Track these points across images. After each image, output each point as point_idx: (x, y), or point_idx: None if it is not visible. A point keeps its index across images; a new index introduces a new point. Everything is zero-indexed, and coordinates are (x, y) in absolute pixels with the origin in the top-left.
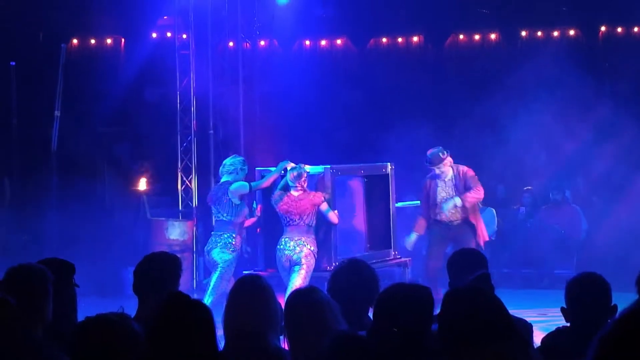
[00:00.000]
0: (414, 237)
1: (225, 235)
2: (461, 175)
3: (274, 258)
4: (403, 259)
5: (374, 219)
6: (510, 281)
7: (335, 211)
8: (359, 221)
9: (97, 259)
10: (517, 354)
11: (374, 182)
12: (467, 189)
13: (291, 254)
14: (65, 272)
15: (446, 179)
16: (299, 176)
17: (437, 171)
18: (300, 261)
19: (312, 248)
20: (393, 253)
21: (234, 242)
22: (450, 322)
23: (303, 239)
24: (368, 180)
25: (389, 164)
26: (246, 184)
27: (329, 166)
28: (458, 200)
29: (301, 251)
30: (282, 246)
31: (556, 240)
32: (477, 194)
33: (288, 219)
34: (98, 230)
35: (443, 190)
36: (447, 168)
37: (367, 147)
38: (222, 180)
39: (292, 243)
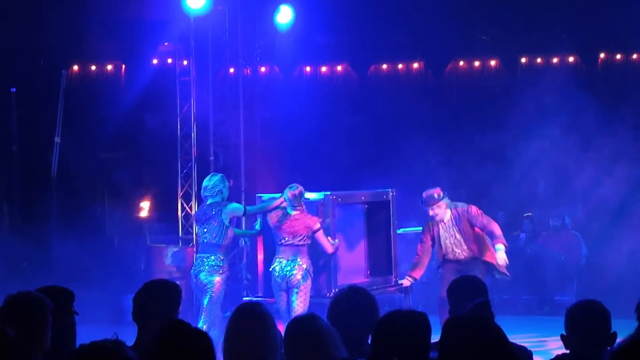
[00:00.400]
0: (406, 282)
1: (212, 258)
2: (461, 215)
3: None
4: (405, 285)
5: (375, 246)
6: (511, 307)
7: (336, 240)
8: (360, 248)
9: (97, 285)
10: None
11: (375, 209)
12: (472, 226)
13: (287, 274)
14: (64, 300)
15: (445, 220)
16: (300, 195)
17: (431, 212)
18: (298, 284)
19: (306, 267)
20: (394, 279)
21: (222, 265)
22: (450, 350)
23: (297, 258)
24: (369, 207)
25: (390, 190)
26: (241, 207)
27: (329, 193)
28: (501, 246)
29: (298, 272)
30: (276, 266)
31: (556, 267)
32: (496, 228)
33: (281, 238)
34: (98, 256)
35: (445, 231)
36: (443, 210)
37: (368, 172)
38: (207, 202)
39: (285, 263)
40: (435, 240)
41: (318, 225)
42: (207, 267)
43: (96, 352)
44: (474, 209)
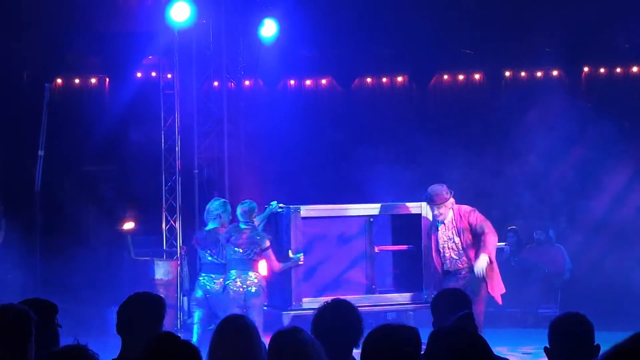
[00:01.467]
0: None
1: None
2: (462, 216)
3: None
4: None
5: (389, 261)
6: (495, 320)
7: (299, 255)
8: (351, 263)
9: (81, 298)
10: None
11: (394, 222)
12: (475, 233)
13: (244, 289)
14: (47, 312)
15: (446, 221)
16: (250, 211)
17: (436, 212)
18: (253, 299)
19: (258, 282)
20: (424, 297)
21: None
22: None
23: (250, 273)
24: (374, 220)
25: (422, 203)
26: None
27: (294, 206)
28: (485, 256)
29: (252, 287)
30: (231, 282)
31: (540, 280)
32: (493, 237)
33: (231, 251)
34: (82, 269)
35: (444, 234)
36: (447, 210)
37: (352, 186)
38: (208, 226)
39: (242, 277)
40: (435, 245)
41: (267, 244)
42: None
43: (56, 358)
44: (477, 213)
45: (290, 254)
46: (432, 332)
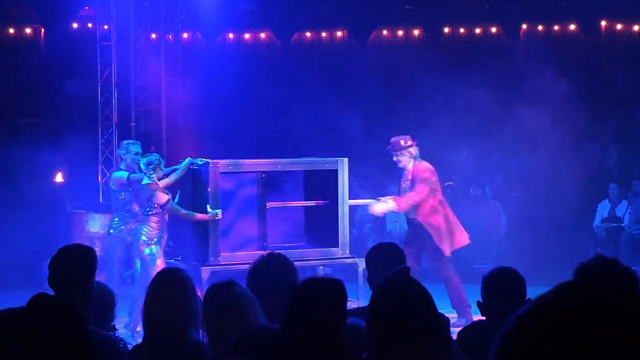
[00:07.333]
0: None
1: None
2: (413, 171)
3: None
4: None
5: (300, 217)
6: (429, 276)
7: (218, 211)
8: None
9: (16, 251)
10: (441, 349)
11: (316, 177)
12: (412, 188)
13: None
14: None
15: (406, 171)
16: (148, 163)
17: (395, 159)
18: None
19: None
20: (340, 252)
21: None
22: (381, 316)
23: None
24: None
25: (342, 159)
26: (125, 175)
27: (209, 160)
28: (392, 204)
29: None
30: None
31: (476, 235)
32: (411, 197)
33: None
34: (17, 223)
35: (403, 182)
36: (407, 160)
37: (291, 141)
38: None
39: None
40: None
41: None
42: None
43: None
44: (422, 168)
45: (209, 209)
46: (376, 285)
